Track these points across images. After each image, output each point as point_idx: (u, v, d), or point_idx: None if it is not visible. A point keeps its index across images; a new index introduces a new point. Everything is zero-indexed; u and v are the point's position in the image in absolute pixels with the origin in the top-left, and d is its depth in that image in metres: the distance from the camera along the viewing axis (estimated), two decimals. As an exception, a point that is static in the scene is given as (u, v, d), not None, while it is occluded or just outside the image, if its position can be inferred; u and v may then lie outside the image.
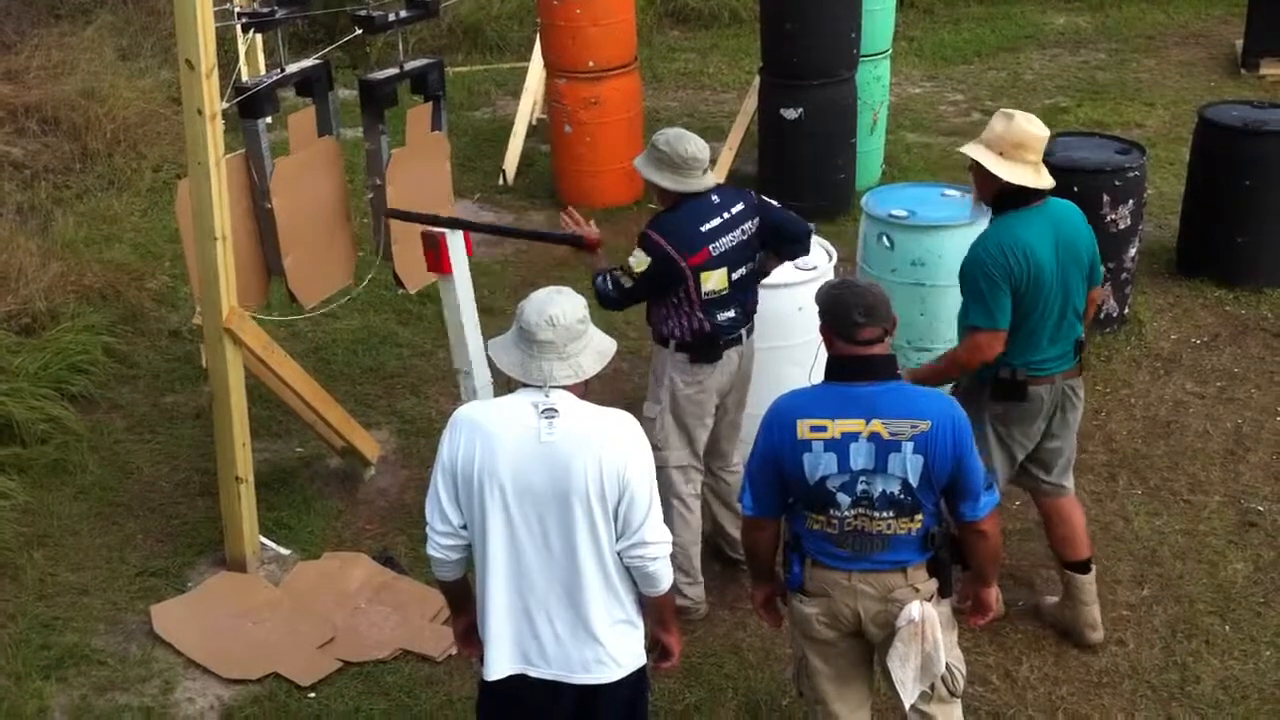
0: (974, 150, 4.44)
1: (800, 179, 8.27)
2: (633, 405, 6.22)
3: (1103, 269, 4.69)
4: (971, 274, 4.42)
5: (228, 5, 5.65)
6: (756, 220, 4.78)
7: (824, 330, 3.68)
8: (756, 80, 8.71)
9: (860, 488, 3.54)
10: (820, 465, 3.54)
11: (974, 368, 4.50)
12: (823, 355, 3.78)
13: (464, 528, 3.43)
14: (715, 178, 4.80)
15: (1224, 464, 5.82)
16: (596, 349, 3.42)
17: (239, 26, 5.28)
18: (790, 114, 8.21)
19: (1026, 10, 12.97)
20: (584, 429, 3.32)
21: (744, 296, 4.82)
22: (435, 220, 5.28)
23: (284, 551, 5.48)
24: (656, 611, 3.57)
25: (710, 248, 4.63)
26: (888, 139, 9.22)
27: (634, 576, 3.45)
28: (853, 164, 8.51)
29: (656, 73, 11.29)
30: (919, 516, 3.58)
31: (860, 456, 3.52)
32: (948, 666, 3.71)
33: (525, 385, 3.39)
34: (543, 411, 3.32)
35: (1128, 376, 6.54)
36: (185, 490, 5.93)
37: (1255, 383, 6.45)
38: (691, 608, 5.03)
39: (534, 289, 3.53)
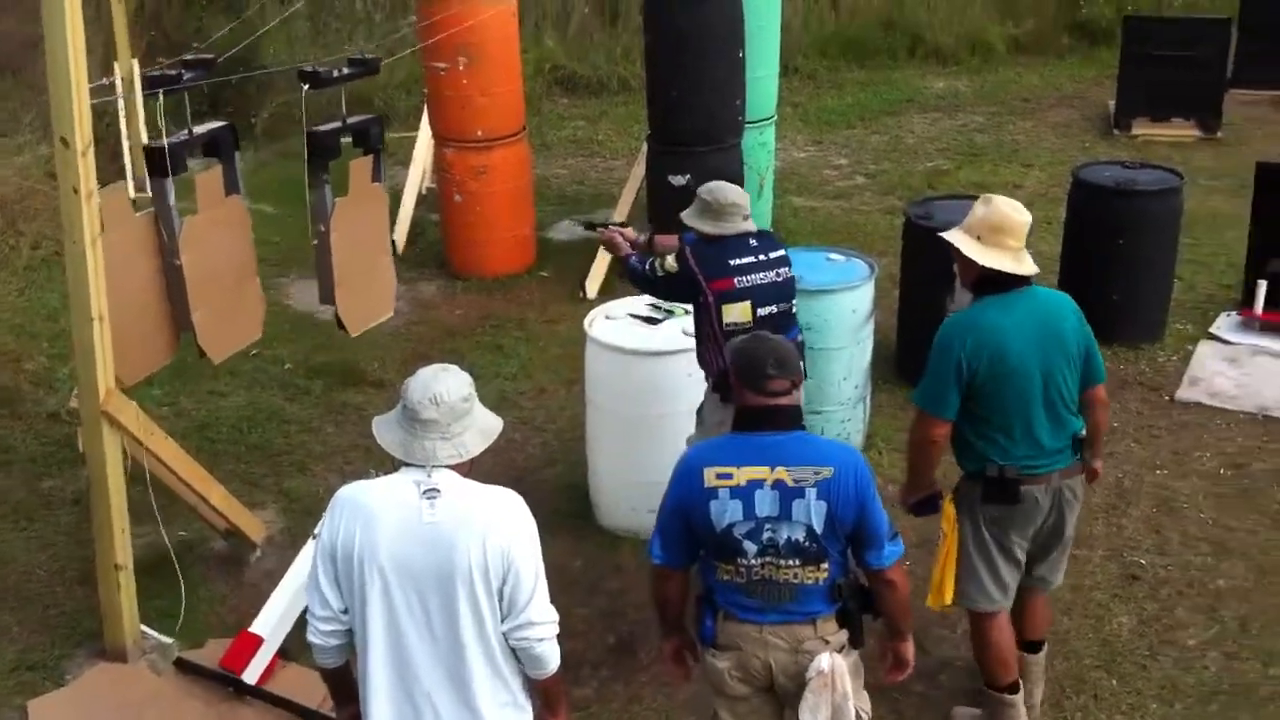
0: (953, 235, 4.37)
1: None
2: (525, 476, 6.25)
3: (1103, 368, 4.51)
4: (931, 352, 4.34)
5: (106, 80, 5.61)
6: (792, 272, 5.05)
7: (735, 382, 3.72)
8: (644, 147, 8.79)
9: (766, 535, 3.59)
10: (727, 512, 3.59)
11: (918, 449, 4.44)
12: None
13: (345, 612, 3.37)
14: (754, 225, 5.05)
15: (1106, 518, 5.94)
16: (481, 428, 3.39)
17: (126, 95, 5.30)
18: (678, 180, 8.26)
19: (906, 75, 13.30)
20: (467, 509, 3.28)
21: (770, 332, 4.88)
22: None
23: (166, 640, 5.31)
24: (544, 694, 3.52)
25: (735, 280, 4.86)
26: (775, 203, 9.35)
27: (520, 658, 3.39)
28: (742, 230, 8.60)
29: (546, 140, 11.35)
30: (824, 565, 3.62)
31: (765, 503, 3.58)
32: (856, 714, 3.74)
33: (408, 464, 3.34)
34: (425, 492, 3.28)
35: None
36: (62, 578, 5.74)
37: (1134, 437, 6.61)
38: None
39: (426, 362, 3.50)
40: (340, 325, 5.84)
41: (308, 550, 5.17)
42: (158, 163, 5.12)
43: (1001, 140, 11.43)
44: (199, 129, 5.34)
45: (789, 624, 3.68)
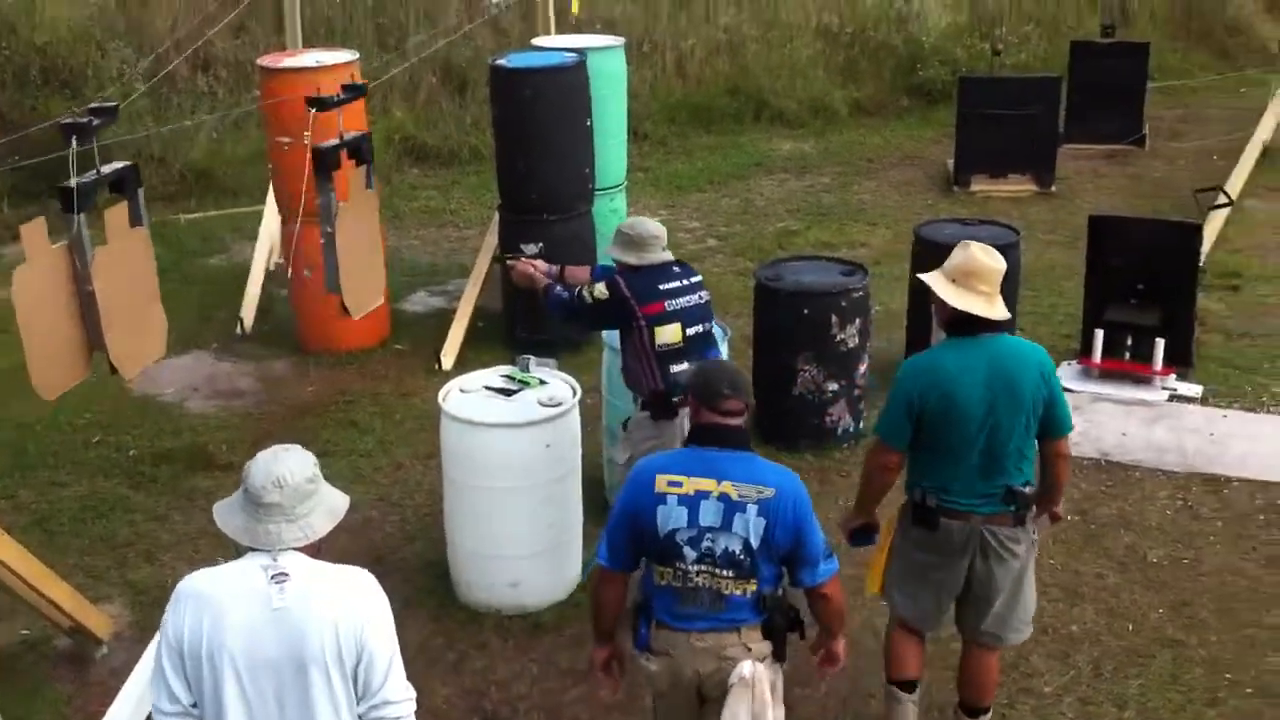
0: (930, 277, 4.52)
1: (544, 312, 8.32)
2: (384, 556, 6.14)
3: (1069, 422, 4.56)
4: (891, 386, 4.57)
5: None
6: (708, 295, 5.48)
7: (692, 401, 4.03)
8: (496, 217, 8.78)
9: (705, 544, 3.84)
10: (672, 518, 3.84)
11: (869, 474, 4.65)
12: None
13: (194, 706, 3.24)
14: (671, 254, 5.49)
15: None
16: (329, 507, 3.33)
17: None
18: (530, 249, 8.26)
19: (754, 139, 13.57)
20: (318, 592, 3.21)
21: (701, 353, 5.25)
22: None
23: (8, 746, 5.07)
24: None
25: (665, 303, 5.29)
26: (629, 268, 9.41)
27: None
28: (595, 295, 8.62)
29: (398, 211, 11.27)
30: (754, 580, 3.87)
31: (709, 513, 3.83)
32: None
33: (253, 550, 3.25)
34: (273, 577, 3.20)
35: (869, 489, 6.74)
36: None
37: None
38: None
39: (277, 442, 3.44)
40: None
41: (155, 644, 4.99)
42: (69, 200, 5.58)
43: (848, 200, 11.70)
44: (105, 169, 5.80)
45: (716, 631, 3.91)
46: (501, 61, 8.41)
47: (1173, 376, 7.75)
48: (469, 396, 5.84)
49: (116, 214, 5.83)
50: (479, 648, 5.61)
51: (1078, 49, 13.45)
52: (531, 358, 6.10)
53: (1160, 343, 7.67)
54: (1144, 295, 7.80)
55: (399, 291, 9.38)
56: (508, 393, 5.84)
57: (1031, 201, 11.56)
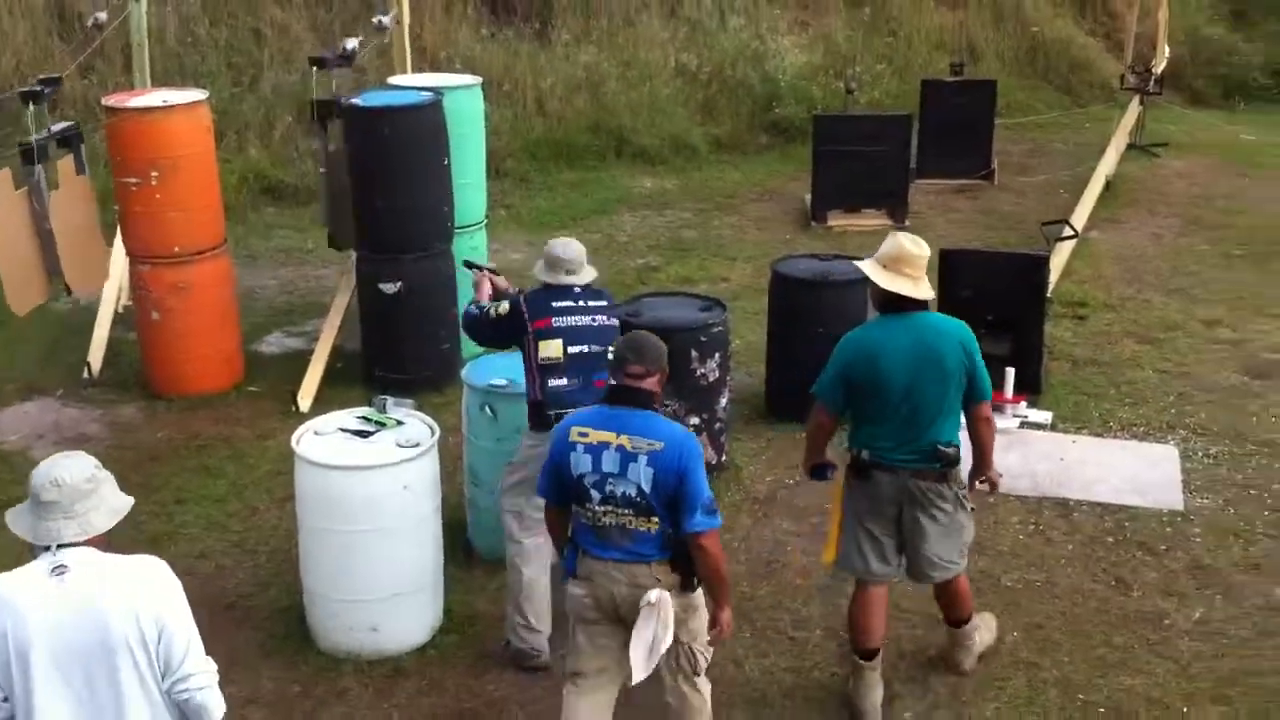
0: (865, 264, 5.17)
1: (404, 352, 8.26)
2: (237, 603, 5.99)
3: (988, 389, 5.16)
4: (831, 356, 5.19)
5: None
6: (615, 320, 5.77)
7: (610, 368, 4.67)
8: (353, 256, 8.67)
9: (608, 487, 4.43)
10: (580, 464, 4.46)
11: (811, 432, 5.33)
12: None
13: (5, 700, 3.46)
14: (582, 279, 5.75)
15: (823, 598, 6.10)
16: (110, 508, 3.59)
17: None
18: (389, 288, 8.19)
19: (615, 175, 13.64)
20: (113, 581, 3.47)
21: (587, 372, 5.53)
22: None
23: None
24: None
25: (553, 320, 5.58)
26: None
27: (185, 711, 3.57)
28: (457, 334, 8.52)
29: (252, 251, 11.06)
30: (654, 519, 4.42)
31: (609, 461, 4.42)
32: (689, 648, 4.59)
33: (44, 550, 3.49)
34: (53, 569, 3.44)
35: (730, 522, 6.74)
36: None
37: (845, 516, 6.83)
38: (530, 652, 5.58)
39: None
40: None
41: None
42: (29, 155, 7.60)
43: (708, 236, 11.82)
44: (55, 127, 7.98)
45: (628, 563, 4.48)
46: (357, 101, 8.32)
47: (1023, 404, 7.95)
48: (324, 439, 5.73)
49: (65, 165, 7.86)
50: (338, 695, 5.47)
51: (928, 87, 13.81)
52: (389, 398, 6.02)
53: (1010, 371, 7.87)
54: (994, 325, 7.95)
55: (254, 333, 9.19)
56: (364, 434, 5.75)
57: (887, 236, 11.76)
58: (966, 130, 13.49)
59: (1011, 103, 16.51)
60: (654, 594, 4.41)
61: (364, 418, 5.86)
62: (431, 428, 5.84)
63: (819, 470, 5.40)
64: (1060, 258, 10.22)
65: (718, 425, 7.20)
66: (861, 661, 5.27)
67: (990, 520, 6.75)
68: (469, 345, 8.65)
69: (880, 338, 5.09)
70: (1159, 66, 15.30)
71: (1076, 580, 6.23)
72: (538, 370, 5.55)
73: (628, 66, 14.85)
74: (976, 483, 5.37)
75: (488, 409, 6.22)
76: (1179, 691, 5.42)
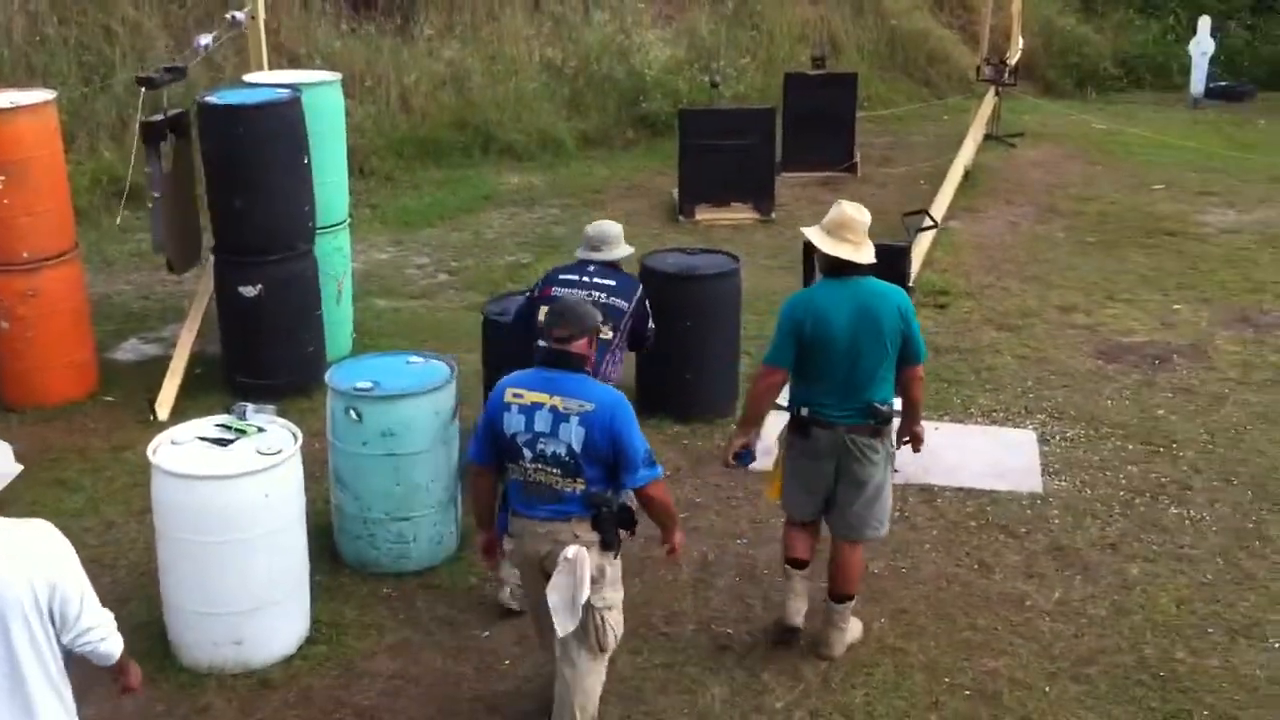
0: (810, 231, 5.48)
1: (267, 356, 8.08)
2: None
3: (922, 351, 5.56)
4: (778, 319, 5.52)
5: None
6: (623, 301, 6.07)
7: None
8: (210, 259, 8.46)
9: (539, 446, 4.67)
10: (514, 423, 4.71)
11: (757, 394, 5.59)
12: None
13: None
14: (605, 257, 6.26)
15: (694, 592, 6.13)
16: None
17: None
18: (249, 291, 8.01)
19: (482, 172, 13.54)
20: (2, 547, 3.57)
21: None
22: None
23: None
24: (115, 671, 4.02)
25: (554, 289, 6.03)
26: (356, 307, 9.22)
27: (89, 658, 3.80)
28: (321, 337, 8.39)
29: (107, 256, 10.76)
30: (580, 480, 4.66)
31: (541, 421, 4.67)
32: (601, 618, 4.79)
33: None
34: None
35: (602, 519, 6.76)
36: None
37: (716, 509, 6.88)
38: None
39: None
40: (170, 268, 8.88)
41: None
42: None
43: (577, 231, 11.58)
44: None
45: (552, 520, 4.72)
46: (211, 98, 8.11)
47: (887, 392, 8.04)
48: (181, 448, 5.57)
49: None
50: (200, 712, 5.33)
51: (791, 80, 13.98)
52: (248, 405, 5.87)
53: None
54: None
55: (108, 341, 8.94)
56: (223, 443, 5.60)
57: (753, 229, 11.92)
58: (829, 123, 13.68)
59: (872, 95, 16.81)
60: (571, 550, 4.66)
61: (223, 425, 5.71)
62: (294, 434, 5.71)
63: (743, 455, 5.67)
64: (921, 248, 10.40)
65: (587, 422, 7.17)
66: (794, 570, 5.74)
67: (857, 509, 6.84)
68: (335, 347, 8.56)
69: (825, 299, 5.42)
70: (1013, 58, 15.69)
71: (941, 565, 6.35)
72: (537, 334, 5.67)
73: (493, 61, 14.76)
74: (903, 440, 5.78)
75: (352, 412, 6.13)
76: (1041, 671, 5.56)
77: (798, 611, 5.70)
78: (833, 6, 17.83)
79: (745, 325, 8.44)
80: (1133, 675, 5.53)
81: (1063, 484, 7.12)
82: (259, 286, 7.98)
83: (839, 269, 5.41)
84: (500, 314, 7.14)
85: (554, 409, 4.65)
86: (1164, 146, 15.14)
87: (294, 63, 12.82)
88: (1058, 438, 7.66)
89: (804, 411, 5.48)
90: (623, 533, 4.81)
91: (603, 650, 4.88)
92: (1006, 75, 15.28)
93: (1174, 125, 16.52)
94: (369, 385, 6.16)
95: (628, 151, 14.69)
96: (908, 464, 7.26)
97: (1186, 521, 6.71)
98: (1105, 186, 13.48)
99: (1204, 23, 17.66)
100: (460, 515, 6.48)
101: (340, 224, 8.88)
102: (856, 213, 5.42)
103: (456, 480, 6.42)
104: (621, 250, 6.32)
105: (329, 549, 6.36)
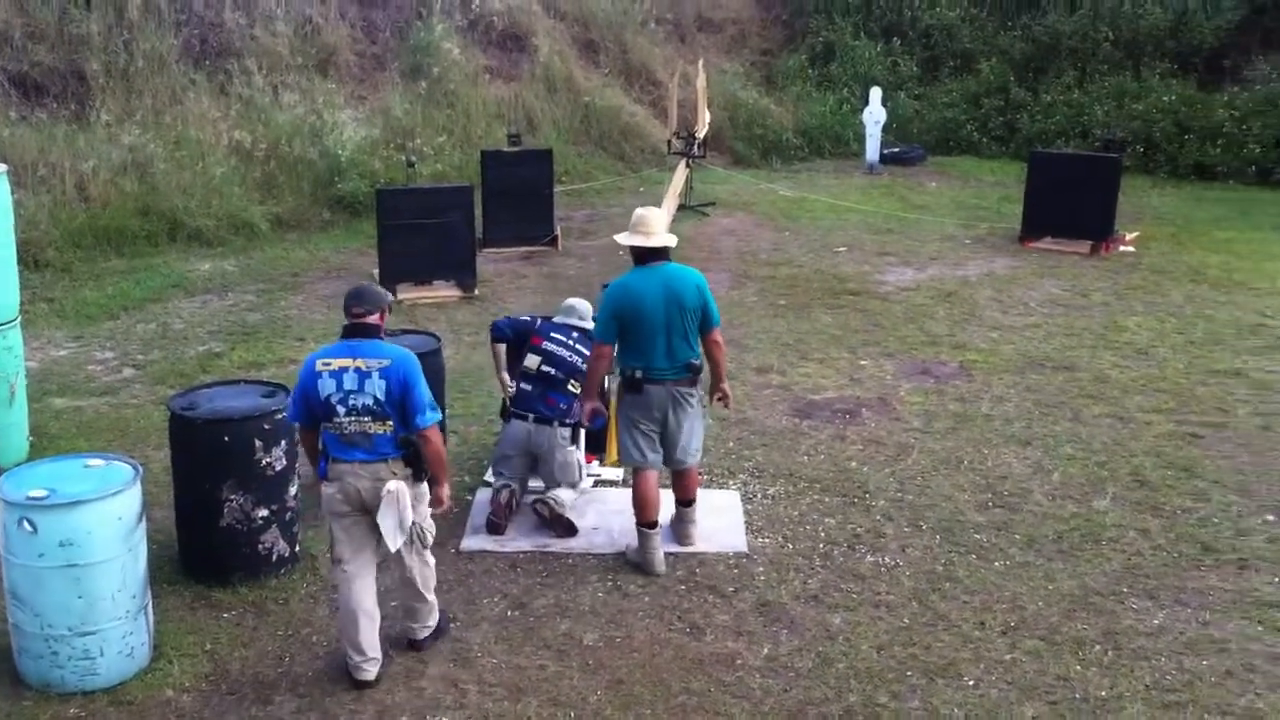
0: (620, 236, 7.02)
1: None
2: None
3: (717, 319, 6.88)
4: (601, 302, 6.84)
5: None
6: (579, 360, 7.51)
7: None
8: None
9: (351, 401, 5.66)
10: (326, 387, 5.68)
11: (594, 368, 6.96)
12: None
13: None
14: (584, 325, 7.74)
15: (406, 683, 5.94)
16: None
17: None
18: (-93, 399, 7.39)
19: (170, 260, 13.02)
20: None
21: (541, 384, 7.50)
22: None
23: None
24: None
25: (544, 342, 7.58)
26: (32, 408, 8.63)
27: None
28: (-10, 442, 7.83)
29: None
30: (389, 423, 5.68)
31: (349, 381, 5.67)
32: (420, 527, 5.85)
33: None
34: None
35: (307, 614, 6.51)
36: None
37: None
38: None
39: None
40: None
41: None
42: None
43: (274, 317, 11.45)
44: None
45: (370, 462, 5.71)
46: None
47: (595, 463, 8.13)
48: None
49: None
50: None
51: (488, 157, 14.10)
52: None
53: (581, 431, 8.03)
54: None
55: None
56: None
57: (457, 306, 11.88)
58: (528, 198, 13.85)
59: (570, 169, 17.14)
60: (392, 484, 5.66)
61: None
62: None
63: (596, 414, 7.11)
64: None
65: (289, 515, 6.90)
66: (646, 530, 6.89)
67: (571, 581, 6.84)
68: (7, 453, 7.99)
69: (638, 283, 6.72)
70: (701, 131, 16.30)
71: (654, 630, 6.39)
72: (520, 375, 7.49)
73: (177, 146, 14.24)
74: (715, 398, 7.03)
75: (26, 523, 5.70)
76: (753, 728, 5.65)
77: (659, 560, 6.92)
78: (526, 84, 18.11)
79: (450, 405, 8.35)
80: (841, 724, 5.68)
81: (766, 540, 7.31)
82: (-83, 393, 7.38)
83: (644, 258, 6.76)
84: (188, 408, 6.80)
85: (358, 369, 5.66)
86: (845, 211, 16.00)
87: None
88: (760, 495, 7.88)
89: (637, 373, 6.74)
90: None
91: (425, 547, 5.95)
92: (696, 148, 15.86)
93: (853, 190, 17.51)
94: (43, 493, 5.75)
95: (326, 233, 14.43)
96: (619, 532, 7.33)
97: (882, 569, 7.00)
98: (793, 251, 14.11)
99: (875, 93, 18.84)
100: (152, 625, 6.11)
101: (10, 322, 8.32)
102: (646, 211, 6.93)
103: (146, 588, 6.05)
104: (591, 323, 7.63)
105: (9, 672, 5.89)
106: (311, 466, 6.03)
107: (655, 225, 6.85)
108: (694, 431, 6.97)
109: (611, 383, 7.49)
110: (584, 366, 7.36)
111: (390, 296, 6.11)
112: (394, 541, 5.71)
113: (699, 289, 6.77)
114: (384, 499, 5.64)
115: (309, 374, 5.72)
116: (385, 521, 5.67)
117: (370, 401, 5.64)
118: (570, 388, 7.45)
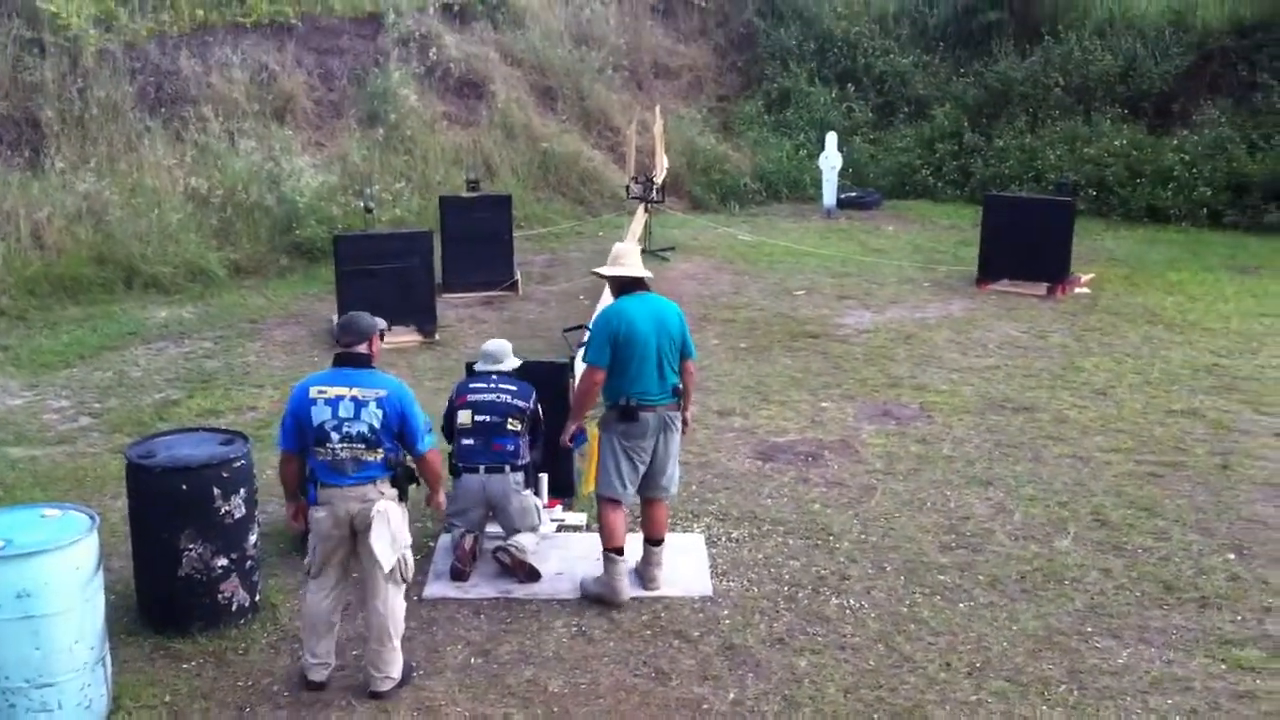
0: (599, 269, 7.33)
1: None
2: None
3: (693, 349, 7.20)
4: (592, 328, 7.16)
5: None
6: (523, 402, 7.51)
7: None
8: None
9: (345, 429, 5.90)
10: (320, 414, 5.91)
11: (584, 392, 7.04)
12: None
13: None
14: (503, 368, 7.70)
15: (371, 733, 5.89)
16: None
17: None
18: None
19: (127, 307, 12.91)
20: None
21: (483, 434, 7.39)
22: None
23: None
24: None
25: (468, 397, 7.49)
26: (-15, 459, 8.52)
27: None
28: (-56, 493, 7.69)
29: None
30: (380, 450, 5.94)
31: (344, 409, 5.90)
32: (404, 557, 6.03)
33: None
34: None
35: (269, 664, 6.42)
36: None
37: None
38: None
39: None
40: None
41: None
42: None
43: (232, 364, 11.37)
44: None
45: (359, 485, 5.95)
46: None
47: (559, 507, 8.10)
48: None
49: None
50: None
51: (447, 203, 14.10)
52: None
53: (544, 477, 8.00)
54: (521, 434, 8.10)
55: None
56: None
57: (417, 351, 11.84)
58: (488, 243, 13.85)
59: (529, 214, 17.17)
60: (381, 504, 5.94)
61: None
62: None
63: (579, 435, 7.26)
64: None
65: (249, 564, 6.82)
66: (614, 555, 6.98)
67: (535, 628, 6.79)
68: (-40, 505, 7.85)
69: (630, 309, 6.95)
70: (660, 176, 16.38)
71: (619, 676, 6.34)
72: (456, 434, 7.44)
73: (133, 193, 14.16)
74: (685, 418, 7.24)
75: (-22, 577, 5.59)
76: (721, 774, 5.60)
77: (625, 586, 7.02)
78: (485, 131, 18.15)
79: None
80: (808, 768, 5.65)
81: (731, 584, 7.29)
82: None
83: (629, 287, 7.08)
84: (146, 456, 6.72)
85: (354, 398, 5.90)
86: (804, 254, 16.10)
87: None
88: (724, 538, 7.87)
89: (631, 402, 6.87)
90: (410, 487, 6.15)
91: (404, 581, 6.11)
92: (654, 192, 15.93)
93: (810, 234, 17.63)
94: (-1, 544, 5.65)
95: (284, 279, 14.36)
96: (583, 577, 7.28)
97: (847, 611, 6.99)
98: (753, 294, 14.17)
99: (831, 139, 19.01)
100: (111, 676, 6.01)
101: (-36, 370, 8.22)
102: (622, 245, 7.45)
103: (104, 639, 5.95)
104: (512, 362, 7.74)
105: (-38, 731, 5.75)
106: (287, 499, 6.21)
107: (635, 258, 7.26)
108: (677, 458, 7.20)
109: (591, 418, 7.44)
110: (515, 402, 7.42)
111: (382, 323, 6.25)
112: (387, 560, 5.93)
113: (680, 319, 7.09)
114: (374, 518, 5.89)
115: (301, 401, 5.93)
116: (379, 541, 5.89)
117: (365, 429, 5.88)
118: (510, 426, 7.40)
